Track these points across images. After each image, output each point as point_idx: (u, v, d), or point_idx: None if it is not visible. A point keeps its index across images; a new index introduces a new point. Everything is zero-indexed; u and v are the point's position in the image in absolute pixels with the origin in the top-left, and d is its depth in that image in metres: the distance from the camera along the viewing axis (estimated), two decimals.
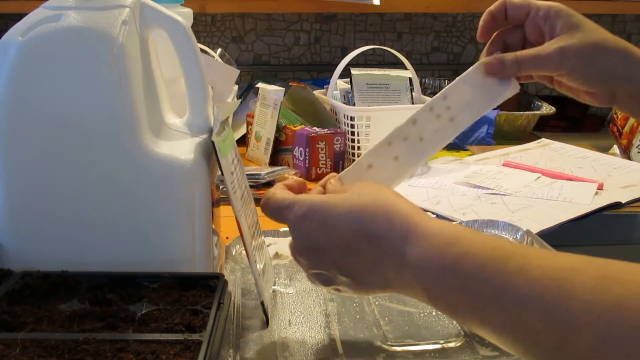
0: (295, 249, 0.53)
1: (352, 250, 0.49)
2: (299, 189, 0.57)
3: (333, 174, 0.59)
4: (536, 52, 0.60)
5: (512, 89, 0.62)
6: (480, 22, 0.64)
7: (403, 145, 0.60)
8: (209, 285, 0.61)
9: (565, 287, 0.37)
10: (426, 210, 1.00)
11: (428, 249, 0.45)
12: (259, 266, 0.64)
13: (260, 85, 1.29)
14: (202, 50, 1.21)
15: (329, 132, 1.18)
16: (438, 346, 0.59)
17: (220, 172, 0.61)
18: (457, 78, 0.62)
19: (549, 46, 0.60)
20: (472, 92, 0.61)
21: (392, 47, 1.36)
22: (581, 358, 0.36)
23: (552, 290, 0.38)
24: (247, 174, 1.10)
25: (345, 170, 0.61)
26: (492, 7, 0.63)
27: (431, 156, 0.64)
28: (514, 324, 0.39)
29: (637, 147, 1.28)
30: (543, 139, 1.44)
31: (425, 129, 0.61)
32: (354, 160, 1.22)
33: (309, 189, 0.58)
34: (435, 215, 0.98)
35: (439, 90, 1.93)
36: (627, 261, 0.38)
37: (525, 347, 0.39)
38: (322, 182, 0.59)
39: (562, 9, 0.61)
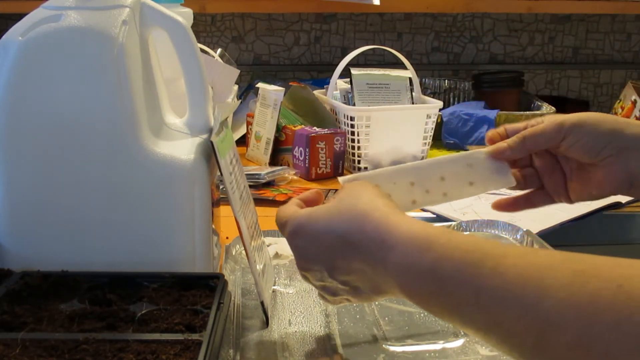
0: (297, 266, 0.55)
1: (339, 262, 0.51)
2: (314, 201, 0.59)
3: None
4: (537, 127, 0.62)
5: (507, 182, 0.63)
6: (488, 137, 0.66)
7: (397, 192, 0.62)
8: (209, 285, 0.61)
9: (540, 286, 0.37)
10: (426, 210, 1.00)
11: (403, 257, 0.45)
12: (259, 266, 0.64)
13: (260, 85, 1.29)
14: (202, 50, 1.21)
15: (329, 132, 1.18)
16: (438, 346, 0.59)
17: (219, 173, 0.61)
18: (459, 155, 0.63)
19: (549, 122, 0.62)
20: (470, 175, 0.63)
21: (392, 47, 1.36)
22: (562, 357, 0.35)
23: (528, 290, 0.38)
24: (247, 174, 1.10)
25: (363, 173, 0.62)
26: (497, 130, 0.65)
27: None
28: (494, 325, 0.39)
29: None
30: None
31: (419, 190, 0.62)
32: (353, 161, 1.22)
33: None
34: (435, 215, 0.98)
35: (439, 90, 1.91)
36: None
37: (509, 347, 0.39)
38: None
39: (559, 114, 0.64)
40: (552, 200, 0.67)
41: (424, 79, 1.71)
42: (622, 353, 0.32)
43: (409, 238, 0.46)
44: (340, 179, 0.60)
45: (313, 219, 0.52)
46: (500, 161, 0.63)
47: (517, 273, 0.39)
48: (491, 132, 0.65)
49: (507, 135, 0.64)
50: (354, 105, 1.25)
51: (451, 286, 0.42)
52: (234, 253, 0.78)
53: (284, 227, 0.55)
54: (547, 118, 0.63)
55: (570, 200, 0.66)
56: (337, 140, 1.18)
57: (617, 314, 0.33)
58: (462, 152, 0.64)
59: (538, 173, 0.66)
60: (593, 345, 0.34)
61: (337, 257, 0.51)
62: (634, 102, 1.50)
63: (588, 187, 0.63)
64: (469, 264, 0.41)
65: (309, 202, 0.59)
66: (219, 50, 1.36)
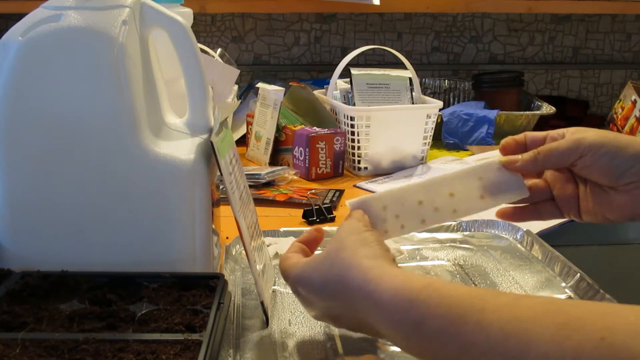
0: (305, 308, 0.59)
1: (334, 312, 0.54)
2: (315, 240, 0.62)
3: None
4: (553, 144, 0.60)
5: (520, 193, 0.62)
6: (502, 144, 0.64)
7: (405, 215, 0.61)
8: (209, 285, 0.61)
9: (523, 340, 0.37)
10: None
11: (387, 318, 0.46)
12: (259, 266, 0.64)
13: (260, 85, 1.29)
14: (202, 50, 1.21)
15: (329, 132, 1.18)
16: None
17: (219, 172, 0.61)
18: (469, 169, 0.62)
19: (565, 139, 0.60)
20: (481, 188, 0.61)
21: (392, 47, 1.36)
22: None
23: (510, 344, 0.38)
24: (247, 174, 1.10)
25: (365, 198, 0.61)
26: (515, 136, 0.64)
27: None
28: None
29: None
30: None
31: (427, 208, 0.62)
32: (353, 161, 1.22)
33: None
34: None
35: (439, 90, 1.91)
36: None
37: None
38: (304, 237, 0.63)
39: (580, 129, 0.61)
40: (561, 214, 0.65)
41: (424, 79, 1.71)
42: None
43: (391, 296, 0.46)
44: (347, 202, 0.61)
45: (307, 275, 0.55)
46: (513, 172, 0.61)
47: (500, 328, 0.39)
48: (506, 140, 0.63)
49: (525, 143, 0.63)
50: (354, 105, 1.25)
51: (436, 343, 0.42)
52: (234, 253, 0.78)
53: (287, 279, 0.58)
54: (569, 131, 0.61)
55: (580, 218, 0.64)
56: (337, 140, 1.18)
57: None
58: (472, 166, 0.62)
59: (549, 185, 0.65)
60: None
61: (332, 309, 0.54)
62: (634, 102, 1.50)
63: (604, 210, 0.61)
64: (452, 323, 0.42)
65: (310, 243, 0.61)
66: (219, 50, 1.36)
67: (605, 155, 0.58)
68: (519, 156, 0.61)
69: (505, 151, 0.63)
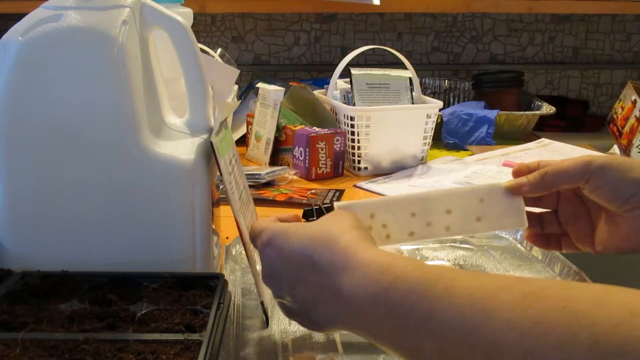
0: (262, 275, 0.55)
1: (301, 280, 0.50)
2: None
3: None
4: (561, 162, 0.59)
5: (519, 222, 0.60)
6: (515, 169, 0.62)
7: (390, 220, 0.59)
8: (209, 285, 0.61)
9: (488, 307, 0.37)
10: None
11: (360, 278, 0.45)
12: (259, 266, 0.64)
13: (260, 85, 1.29)
14: (202, 50, 1.21)
15: (329, 132, 1.18)
16: None
17: (219, 173, 0.61)
18: (472, 188, 0.60)
19: (574, 159, 0.59)
20: (480, 210, 0.59)
21: (392, 47, 1.36)
22: None
23: (475, 311, 0.37)
24: (247, 174, 1.10)
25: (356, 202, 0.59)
26: (529, 163, 0.62)
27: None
28: (444, 350, 0.38)
29: (637, 146, 1.28)
30: (543, 139, 1.44)
31: (419, 222, 0.59)
32: (353, 161, 1.22)
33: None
34: None
35: (439, 90, 1.91)
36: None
37: None
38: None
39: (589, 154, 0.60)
40: (576, 248, 0.64)
41: (424, 79, 1.71)
42: None
43: (370, 263, 0.45)
44: (335, 204, 0.58)
45: (288, 234, 0.52)
46: (516, 199, 0.60)
47: (467, 295, 0.38)
48: (519, 165, 0.62)
49: (537, 169, 0.61)
50: (354, 105, 1.25)
51: (402, 309, 0.41)
52: (234, 253, 0.78)
53: (258, 236, 0.54)
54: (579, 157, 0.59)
55: (594, 250, 0.62)
56: (337, 140, 1.18)
57: (560, 335, 0.33)
58: (475, 185, 0.60)
59: (560, 219, 0.64)
60: None
61: (300, 276, 0.50)
62: (634, 102, 1.50)
63: (615, 240, 0.60)
64: (421, 286, 0.41)
65: (285, 222, 0.58)
66: (219, 50, 1.36)
67: (613, 178, 0.57)
68: (526, 179, 0.60)
69: (517, 176, 0.62)
